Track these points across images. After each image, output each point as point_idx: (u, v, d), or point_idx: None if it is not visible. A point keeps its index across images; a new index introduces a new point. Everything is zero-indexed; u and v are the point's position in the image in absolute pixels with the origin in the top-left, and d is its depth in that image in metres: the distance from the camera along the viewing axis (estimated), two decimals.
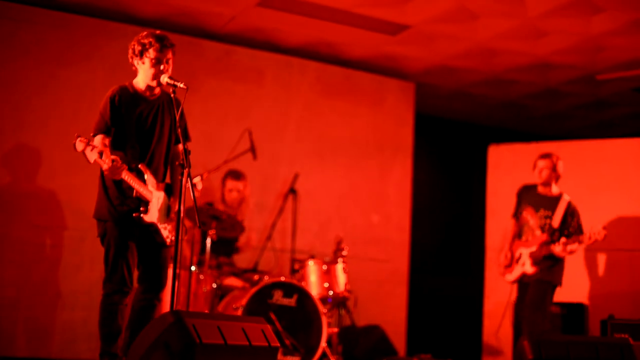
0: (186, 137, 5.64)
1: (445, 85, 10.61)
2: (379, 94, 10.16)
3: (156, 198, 5.49)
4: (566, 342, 5.90)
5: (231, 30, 8.98)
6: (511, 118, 11.98)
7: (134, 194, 5.36)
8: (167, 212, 5.57)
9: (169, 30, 8.54)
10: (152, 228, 5.50)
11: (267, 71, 9.47)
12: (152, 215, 5.46)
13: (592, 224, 7.66)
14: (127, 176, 5.27)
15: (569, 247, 7.59)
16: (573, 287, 9.06)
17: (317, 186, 9.54)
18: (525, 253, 7.80)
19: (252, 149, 8.17)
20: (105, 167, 5.11)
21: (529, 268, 7.73)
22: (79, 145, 5.03)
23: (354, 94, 9.98)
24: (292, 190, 8.93)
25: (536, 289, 7.68)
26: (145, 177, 5.43)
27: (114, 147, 5.34)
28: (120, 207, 5.39)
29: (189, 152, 5.19)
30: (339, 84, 9.91)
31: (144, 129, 5.48)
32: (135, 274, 5.54)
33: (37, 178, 8.13)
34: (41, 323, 7.98)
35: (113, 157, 5.11)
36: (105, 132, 5.34)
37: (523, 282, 7.85)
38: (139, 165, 5.42)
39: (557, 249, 7.60)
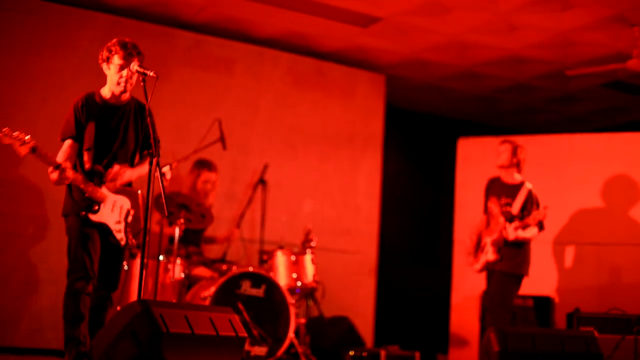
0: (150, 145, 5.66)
1: (416, 78, 10.63)
2: (350, 86, 10.16)
3: (111, 200, 5.64)
4: (532, 334, 5.96)
5: (203, 19, 8.95)
6: (481, 112, 12.03)
7: (86, 194, 5.53)
8: (118, 211, 5.70)
9: (140, 18, 8.52)
10: (105, 228, 5.63)
11: (238, 61, 9.44)
12: (101, 216, 5.60)
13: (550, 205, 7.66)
14: (74, 178, 5.47)
15: (520, 233, 7.56)
16: (540, 280, 9.13)
17: (287, 177, 9.54)
18: (488, 241, 7.74)
19: (222, 139, 8.14)
20: (53, 177, 5.42)
21: (490, 255, 7.67)
22: (3, 140, 5.26)
23: (325, 86, 9.98)
24: (262, 181, 8.92)
25: (500, 280, 7.65)
26: (104, 177, 5.61)
27: (79, 150, 5.58)
28: (82, 202, 5.56)
29: (159, 140, 5.25)
30: (310, 75, 9.90)
31: (107, 131, 5.63)
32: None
33: (4, 166, 8.06)
34: (7, 312, 7.92)
35: (59, 162, 5.40)
36: (72, 137, 5.57)
37: (489, 270, 7.81)
38: (96, 166, 5.61)
39: (508, 233, 7.57)
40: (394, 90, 10.74)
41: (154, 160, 5.15)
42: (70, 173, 5.40)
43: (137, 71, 5.43)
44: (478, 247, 7.87)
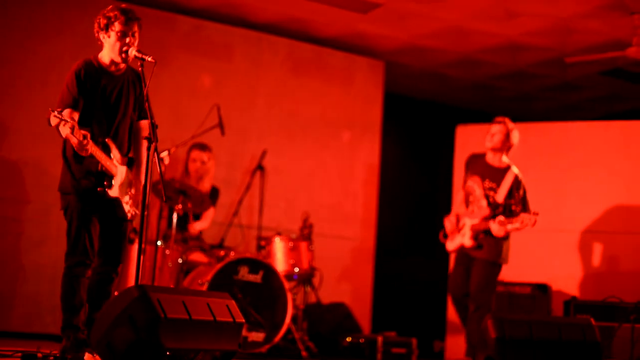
0: (146, 114, 5.56)
1: (415, 64, 10.62)
2: (348, 72, 10.15)
3: (120, 172, 5.48)
4: (529, 322, 5.97)
5: (202, 4, 8.93)
6: (480, 99, 12.02)
7: (99, 167, 5.36)
8: (127, 184, 5.55)
9: (139, 3, 8.48)
10: (115, 202, 5.50)
11: (237, 47, 9.43)
12: (115, 190, 5.46)
13: (532, 207, 7.45)
14: (94, 151, 5.23)
15: (509, 227, 7.32)
16: (537, 268, 9.14)
17: (285, 163, 9.53)
18: (468, 224, 7.58)
19: (220, 125, 8.12)
20: (74, 141, 5.05)
21: (467, 240, 7.51)
22: (54, 120, 4.96)
23: (323, 72, 9.97)
24: (260, 167, 8.90)
25: (483, 270, 7.48)
26: (112, 151, 5.43)
27: (81, 121, 5.29)
28: (83, 180, 5.39)
29: (156, 126, 5.19)
30: (309, 61, 9.89)
31: (108, 103, 5.47)
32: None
33: (2, 149, 8.06)
34: (4, 296, 7.93)
35: (83, 132, 5.06)
36: (73, 106, 5.31)
37: (462, 252, 7.65)
38: (106, 140, 5.43)
39: (494, 227, 7.36)
40: (392, 76, 10.72)
41: (152, 146, 5.12)
42: (93, 147, 5.20)
43: (136, 56, 5.32)
44: (456, 226, 7.77)
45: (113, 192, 5.44)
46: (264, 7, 8.98)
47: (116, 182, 5.45)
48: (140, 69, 5.32)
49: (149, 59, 5.27)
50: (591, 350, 5.98)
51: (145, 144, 5.52)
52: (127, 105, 5.56)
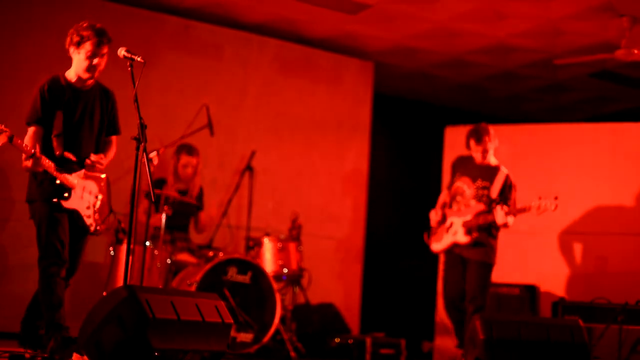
0: (116, 130, 5.92)
1: (404, 65, 10.62)
2: (338, 73, 10.15)
3: (81, 186, 5.62)
4: (517, 322, 5.97)
5: (191, 4, 8.91)
6: (469, 100, 12.03)
7: (57, 181, 5.49)
8: (89, 197, 5.70)
9: (128, 3, 8.47)
10: (75, 215, 5.62)
11: (226, 47, 9.42)
12: (73, 202, 5.58)
13: (544, 194, 7.46)
14: (47, 166, 5.41)
15: (509, 219, 7.35)
16: (525, 269, 9.16)
17: (274, 163, 9.52)
18: (457, 222, 7.61)
19: (210, 125, 8.10)
20: (27, 163, 5.33)
21: (461, 237, 7.53)
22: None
23: (313, 72, 9.96)
24: (249, 167, 8.90)
25: (479, 272, 7.51)
26: (72, 164, 5.57)
27: (45, 136, 5.51)
28: (49, 187, 5.51)
29: (145, 126, 5.19)
30: (298, 61, 9.88)
31: (73, 118, 5.60)
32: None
33: None
34: None
35: (34, 150, 5.30)
36: (37, 122, 5.52)
37: (454, 252, 7.67)
38: (65, 153, 5.55)
39: (499, 217, 7.34)
40: (381, 77, 10.72)
41: (141, 146, 5.12)
42: (45, 161, 5.37)
43: (125, 56, 5.34)
44: (439, 225, 7.81)
45: (70, 204, 5.57)
46: (253, 7, 8.97)
47: (75, 194, 5.58)
48: (129, 69, 5.34)
49: (139, 59, 5.30)
50: (579, 351, 5.99)
51: (112, 158, 5.82)
52: (92, 119, 5.70)
